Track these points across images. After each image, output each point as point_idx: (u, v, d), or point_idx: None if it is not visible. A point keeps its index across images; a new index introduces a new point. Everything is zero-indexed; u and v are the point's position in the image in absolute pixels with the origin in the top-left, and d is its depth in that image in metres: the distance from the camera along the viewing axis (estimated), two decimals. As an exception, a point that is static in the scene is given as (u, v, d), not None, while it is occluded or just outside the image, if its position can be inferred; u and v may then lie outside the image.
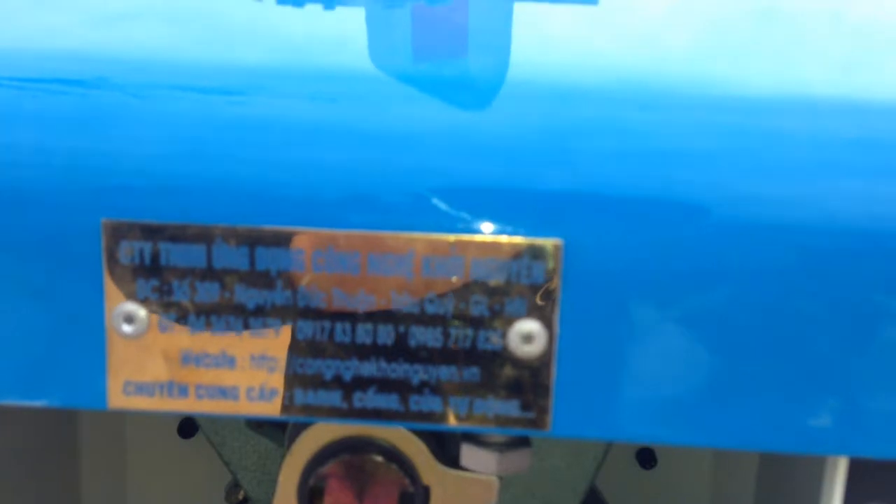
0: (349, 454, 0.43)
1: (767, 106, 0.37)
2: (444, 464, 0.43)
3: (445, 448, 0.45)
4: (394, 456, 0.43)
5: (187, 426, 0.77)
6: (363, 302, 0.35)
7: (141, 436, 0.77)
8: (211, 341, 0.35)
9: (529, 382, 0.35)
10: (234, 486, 0.59)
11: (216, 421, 0.50)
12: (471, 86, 0.37)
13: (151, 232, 0.34)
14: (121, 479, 0.77)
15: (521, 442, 0.45)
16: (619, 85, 0.37)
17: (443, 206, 0.34)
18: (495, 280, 0.34)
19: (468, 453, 0.44)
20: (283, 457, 0.44)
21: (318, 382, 0.35)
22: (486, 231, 0.34)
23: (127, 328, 0.35)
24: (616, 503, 0.63)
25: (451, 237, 0.34)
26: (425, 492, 0.43)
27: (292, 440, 0.44)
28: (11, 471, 0.60)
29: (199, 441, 0.77)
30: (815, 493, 0.40)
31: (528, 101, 0.35)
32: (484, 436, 0.44)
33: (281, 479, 0.44)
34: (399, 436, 0.43)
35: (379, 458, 0.42)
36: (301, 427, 0.44)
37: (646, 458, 0.79)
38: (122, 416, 0.76)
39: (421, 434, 0.43)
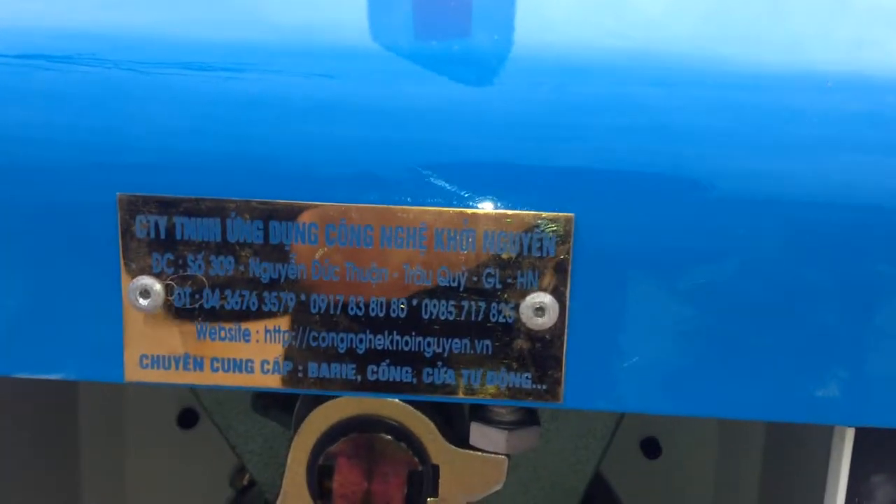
0: (358, 433, 0.43)
1: (774, 83, 0.37)
2: (453, 443, 0.44)
3: (454, 428, 0.46)
4: (402, 435, 0.43)
5: (187, 417, 0.77)
6: (376, 275, 0.35)
7: (140, 427, 0.77)
8: (226, 315, 0.35)
9: (541, 354, 0.35)
10: (239, 471, 0.59)
11: (222, 404, 0.51)
12: (482, 63, 0.37)
13: (166, 206, 0.35)
14: (120, 470, 0.77)
15: (530, 420, 0.45)
16: (628, 62, 0.37)
17: (455, 180, 0.34)
18: (507, 253, 0.35)
19: (477, 432, 0.44)
20: (289, 439, 0.44)
21: (331, 355, 0.36)
22: (499, 205, 0.34)
23: (143, 302, 0.35)
24: (621, 493, 0.64)
25: (464, 211, 0.34)
26: (434, 470, 0.43)
27: (299, 422, 0.44)
28: (10, 463, 0.60)
29: (198, 432, 0.77)
30: (821, 475, 0.41)
31: (538, 78, 0.36)
32: (493, 414, 0.44)
33: (290, 458, 0.44)
34: (407, 415, 0.43)
35: (388, 437, 0.42)
36: (308, 408, 0.44)
37: (650, 448, 0.79)
38: (120, 407, 0.76)
39: (429, 413, 0.43)
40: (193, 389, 0.50)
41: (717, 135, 0.35)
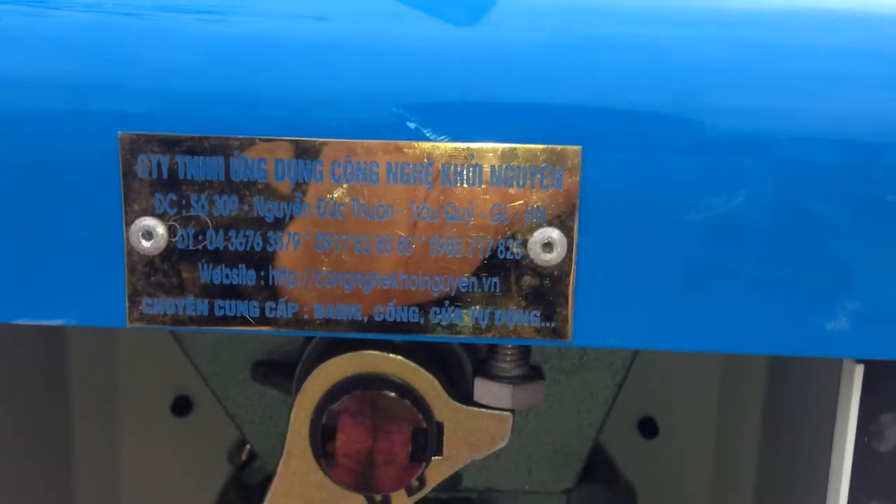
0: (361, 390, 0.42)
1: (778, 20, 0.37)
2: (457, 401, 0.43)
3: (456, 386, 0.45)
4: (406, 392, 0.42)
5: (181, 405, 0.76)
6: (382, 212, 0.35)
7: (134, 415, 0.76)
8: (230, 256, 0.35)
9: (550, 291, 0.35)
10: (238, 447, 0.58)
11: (221, 374, 0.50)
12: (488, 3, 0.37)
13: (169, 145, 0.34)
14: (113, 459, 0.77)
15: (535, 376, 0.45)
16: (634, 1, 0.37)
17: (463, 115, 0.34)
18: (514, 188, 0.34)
19: (481, 388, 0.44)
20: (290, 406, 0.43)
21: (337, 296, 0.35)
22: (506, 139, 0.34)
23: (145, 244, 0.35)
24: (619, 474, 0.63)
25: (470, 146, 0.34)
26: (438, 428, 0.43)
27: (300, 387, 0.44)
28: (2, 452, 0.59)
29: (192, 420, 0.76)
30: (823, 449, 0.41)
31: (546, 16, 0.36)
32: (497, 370, 0.44)
33: (292, 418, 0.43)
34: (411, 372, 0.43)
35: (392, 394, 0.42)
36: (308, 372, 0.43)
37: (648, 428, 0.79)
38: (113, 395, 0.75)
39: (432, 370, 0.43)
40: (192, 359, 0.49)
41: (724, 70, 0.35)
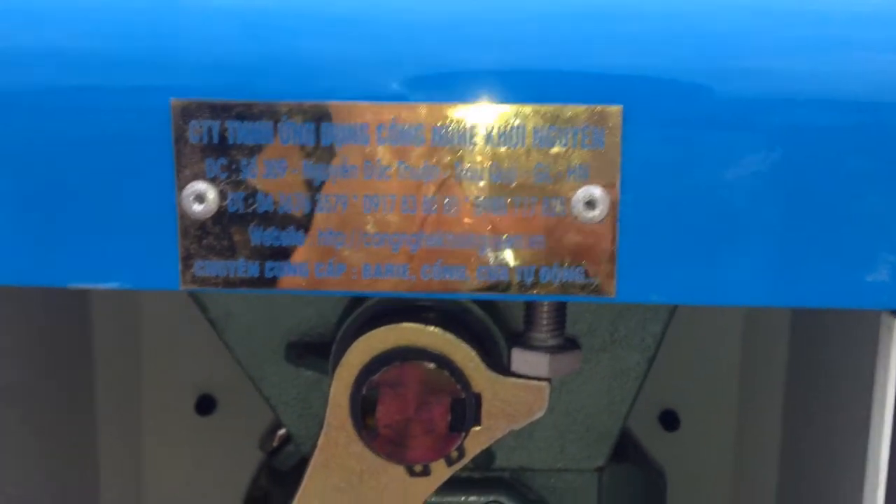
0: (400, 362, 0.43)
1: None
2: (494, 371, 0.44)
3: (491, 359, 0.46)
4: (445, 363, 0.43)
5: (205, 404, 0.77)
6: (428, 173, 0.35)
7: (157, 414, 0.77)
8: (279, 218, 0.36)
9: (593, 248, 0.36)
10: (269, 433, 0.58)
11: (255, 356, 0.50)
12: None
13: (219, 110, 0.35)
14: (137, 458, 0.77)
15: (571, 345, 0.45)
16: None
17: (505, 76, 0.35)
18: (557, 147, 0.35)
19: (519, 358, 0.44)
20: (329, 380, 0.44)
21: (384, 256, 0.36)
22: (548, 100, 0.35)
23: (197, 207, 0.36)
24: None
25: (513, 107, 0.35)
26: (476, 398, 0.43)
27: (335, 366, 0.44)
28: (27, 453, 0.59)
29: (216, 419, 0.77)
30: (846, 436, 0.41)
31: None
32: (533, 340, 0.44)
33: (332, 391, 0.44)
34: (449, 344, 0.43)
35: (431, 365, 0.43)
36: (343, 350, 0.44)
37: (669, 420, 0.79)
38: (137, 395, 0.76)
39: (469, 342, 0.44)
40: (226, 342, 0.50)
41: (763, 31, 0.36)
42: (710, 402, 0.78)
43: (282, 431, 0.57)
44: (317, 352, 0.50)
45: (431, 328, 0.43)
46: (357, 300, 0.47)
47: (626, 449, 0.56)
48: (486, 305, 0.46)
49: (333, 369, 0.44)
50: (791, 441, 0.70)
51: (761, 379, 0.75)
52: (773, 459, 0.73)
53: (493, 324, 0.47)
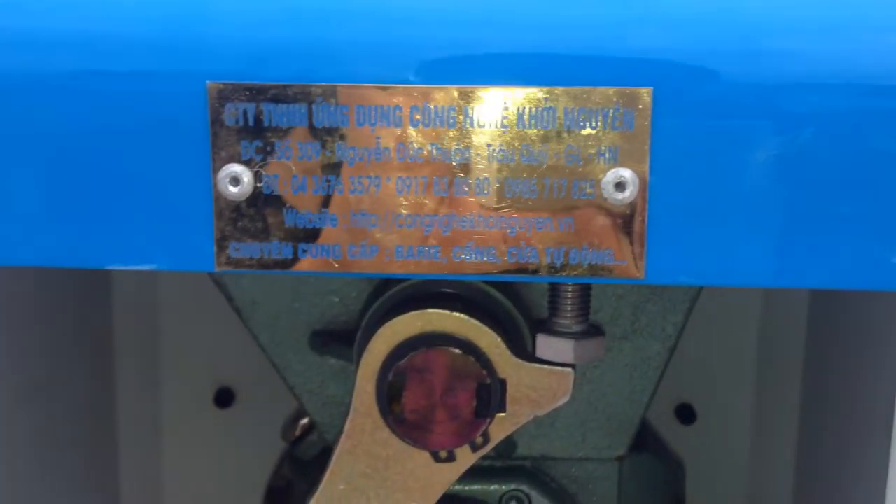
0: (426, 348, 0.43)
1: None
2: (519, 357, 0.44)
3: (516, 345, 0.46)
4: (470, 349, 0.43)
5: (223, 396, 0.77)
6: (459, 156, 0.36)
7: (177, 406, 0.77)
8: (313, 200, 0.36)
9: (623, 230, 0.36)
10: (291, 423, 0.59)
11: (280, 344, 0.51)
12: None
13: (255, 93, 0.35)
14: (157, 450, 0.77)
15: (595, 331, 0.46)
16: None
17: (537, 60, 0.35)
18: (587, 129, 0.36)
19: (543, 344, 0.45)
20: (350, 373, 0.44)
21: (417, 238, 0.36)
22: (579, 82, 0.35)
23: (233, 189, 0.36)
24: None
25: (544, 89, 0.35)
26: (502, 384, 0.44)
27: (360, 354, 0.45)
28: (49, 447, 0.60)
29: (234, 411, 0.77)
30: (860, 439, 0.41)
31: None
32: (558, 326, 0.45)
33: (358, 376, 0.44)
34: (473, 329, 0.44)
35: (457, 351, 0.43)
36: (368, 338, 0.44)
37: (685, 414, 0.79)
38: (157, 387, 0.76)
39: (494, 328, 0.44)
40: (251, 330, 0.50)
41: (793, 13, 0.36)
42: (726, 396, 0.78)
43: (304, 421, 0.57)
44: (341, 340, 0.50)
45: (457, 314, 0.43)
46: (381, 287, 0.48)
47: (645, 439, 0.56)
48: (509, 291, 0.47)
49: (359, 356, 0.45)
50: (808, 434, 0.70)
51: (778, 372, 0.75)
52: (790, 453, 0.74)
53: (516, 310, 0.47)
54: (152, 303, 0.76)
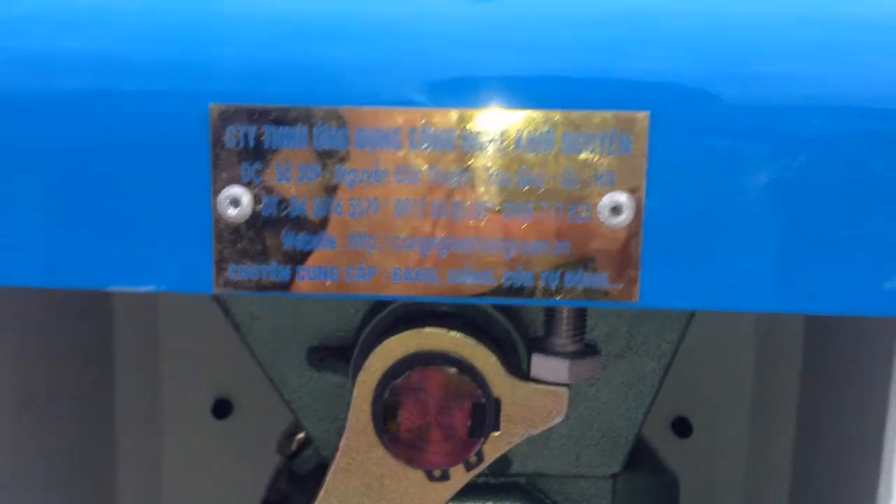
0: (422, 367, 0.43)
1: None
2: (514, 377, 0.44)
3: (512, 364, 0.46)
4: (466, 368, 0.44)
5: (221, 407, 0.77)
6: (457, 179, 0.36)
7: (176, 417, 0.77)
8: (311, 222, 0.37)
9: (618, 253, 0.37)
10: (288, 437, 0.59)
11: (278, 359, 0.51)
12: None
13: (256, 115, 0.36)
14: (156, 461, 0.77)
15: (591, 350, 0.46)
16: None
17: (536, 84, 0.36)
18: (585, 153, 0.36)
19: (539, 363, 0.45)
20: (351, 384, 0.44)
21: (414, 260, 0.37)
22: (577, 107, 0.36)
23: (233, 211, 0.36)
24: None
25: (543, 112, 0.36)
26: (496, 403, 0.44)
27: (357, 370, 0.45)
28: (47, 453, 0.60)
29: (232, 422, 0.77)
30: (857, 441, 0.41)
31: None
32: (553, 345, 0.45)
33: (355, 394, 0.45)
34: (469, 348, 0.44)
35: (452, 370, 0.43)
36: (365, 355, 0.45)
37: (681, 428, 0.80)
38: (156, 398, 0.76)
39: (490, 346, 0.44)
40: (249, 346, 0.51)
41: (787, 38, 0.36)
42: (722, 410, 0.78)
43: (301, 435, 0.57)
44: (338, 356, 0.51)
45: (453, 333, 0.44)
46: (379, 304, 0.48)
47: (640, 456, 0.56)
48: (506, 310, 0.47)
49: (355, 374, 0.45)
50: (804, 450, 0.70)
51: (775, 387, 0.75)
52: (786, 467, 0.74)
53: (513, 328, 0.47)
54: (152, 312, 0.76)
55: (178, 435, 0.77)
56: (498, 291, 0.37)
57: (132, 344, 0.73)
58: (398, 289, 0.37)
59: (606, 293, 0.37)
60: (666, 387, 0.51)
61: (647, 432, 0.63)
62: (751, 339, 0.77)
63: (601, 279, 0.37)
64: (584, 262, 0.37)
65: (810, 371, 0.70)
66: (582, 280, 0.37)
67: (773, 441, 0.76)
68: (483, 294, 0.37)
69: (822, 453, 0.65)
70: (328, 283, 0.37)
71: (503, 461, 0.53)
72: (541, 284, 0.37)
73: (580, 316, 0.44)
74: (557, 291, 0.37)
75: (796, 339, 0.72)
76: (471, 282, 0.37)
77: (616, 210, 0.36)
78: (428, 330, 0.44)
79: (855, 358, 0.56)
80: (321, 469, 0.50)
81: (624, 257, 0.37)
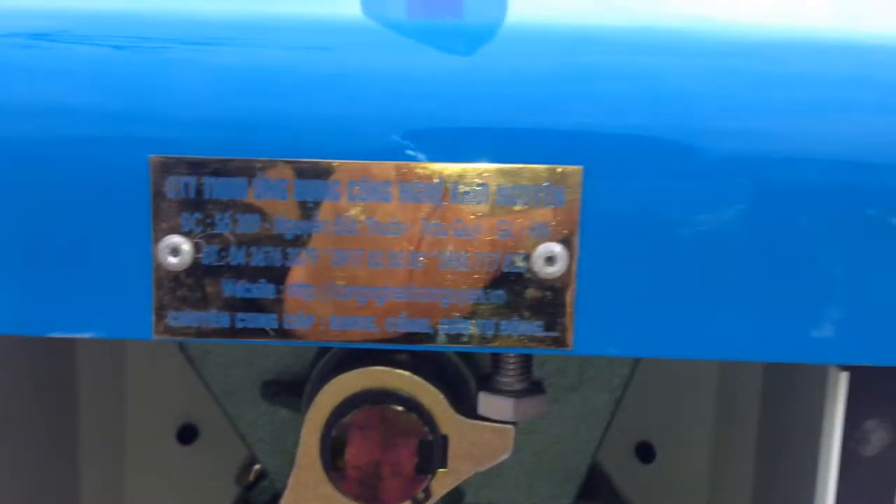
0: (370, 405, 0.44)
1: (767, 49, 0.39)
2: (461, 414, 0.45)
3: (461, 402, 0.47)
4: (413, 406, 0.44)
5: (187, 433, 0.78)
6: (394, 230, 0.37)
7: (140, 444, 0.77)
8: (251, 271, 0.37)
9: (552, 302, 0.37)
10: (245, 468, 0.60)
11: (232, 393, 0.52)
12: (490, 34, 0.39)
13: (196, 166, 0.36)
14: (120, 488, 0.78)
15: (536, 389, 0.47)
16: (629, 31, 0.40)
17: (469, 138, 0.36)
18: (519, 206, 0.37)
19: (485, 401, 0.46)
20: (301, 420, 0.45)
21: (352, 308, 0.37)
22: (510, 160, 0.36)
23: (173, 260, 0.37)
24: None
25: (478, 166, 0.36)
26: (444, 441, 0.45)
27: (310, 403, 0.46)
28: (9, 482, 0.60)
29: (198, 448, 0.77)
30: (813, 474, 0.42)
31: (546, 45, 0.38)
32: (500, 384, 0.46)
33: (304, 431, 0.45)
34: (417, 387, 0.44)
35: (399, 408, 0.44)
36: (317, 390, 0.45)
37: (645, 452, 0.80)
38: (120, 424, 0.77)
39: (438, 385, 0.45)
40: (204, 380, 0.51)
41: (716, 96, 0.37)
42: (685, 435, 0.79)
43: (258, 466, 0.58)
44: (292, 391, 0.51)
45: (401, 371, 0.44)
46: (330, 343, 0.48)
47: (596, 486, 0.57)
48: None
49: (306, 410, 0.45)
50: (764, 473, 0.71)
51: (737, 411, 0.76)
52: (747, 491, 0.74)
53: (464, 365, 0.48)
54: (117, 339, 0.77)
55: (142, 460, 0.77)
56: (435, 339, 0.38)
57: (97, 369, 0.74)
58: (336, 335, 0.38)
59: (542, 340, 0.38)
60: (629, 412, 0.52)
61: (610, 458, 0.63)
62: (713, 363, 0.78)
63: (536, 327, 0.38)
64: (519, 310, 0.37)
65: (771, 394, 0.71)
66: (517, 328, 0.38)
67: (735, 465, 0.77)
68: (421, 342, 0.38)
69: (782, 476, 0.65)
70: (267, 329, 0.38)
71: (456, 493, 0.53)
72: (477, 332, 0.38)
73: (526, 356, 0.45)
74: (494, 338, 0.38)
75: (757, 366, 0.73)
76: (408, 330, 0.38)
77: (550, 260, 0.37)
78: (376, 368, 0.44)
79: (806, 391, 0.56)
80: (276, 501, 0.51)
81: (558, 306, 0.37)
